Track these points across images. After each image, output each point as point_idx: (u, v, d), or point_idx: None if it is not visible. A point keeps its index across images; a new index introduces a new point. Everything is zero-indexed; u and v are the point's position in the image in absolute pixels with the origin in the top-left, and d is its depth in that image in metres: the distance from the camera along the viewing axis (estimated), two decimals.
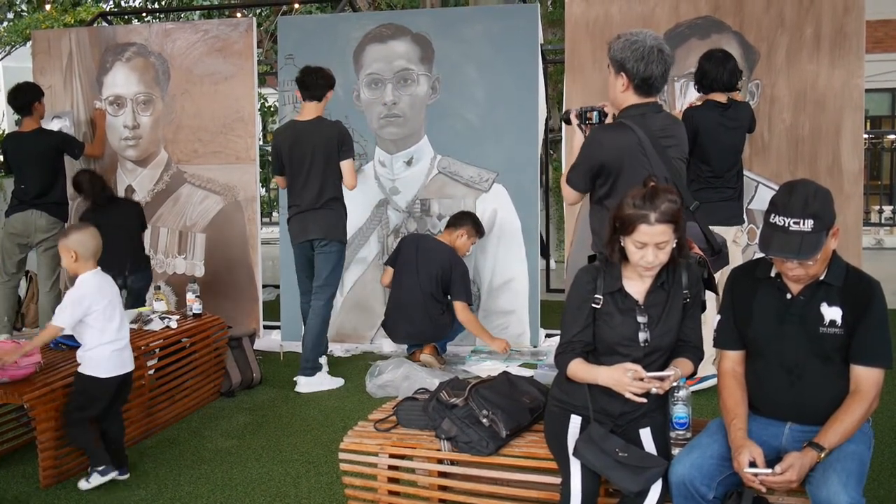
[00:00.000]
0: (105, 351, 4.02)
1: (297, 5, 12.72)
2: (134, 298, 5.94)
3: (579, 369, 2.90)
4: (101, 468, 4.02)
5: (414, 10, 10.82)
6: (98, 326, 4.01)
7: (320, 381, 5.46)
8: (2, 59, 20.97)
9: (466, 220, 5.86)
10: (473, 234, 5.87)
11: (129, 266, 5.95)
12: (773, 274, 2.82)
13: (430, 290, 5.67)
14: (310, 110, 5.45)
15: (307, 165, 5.36)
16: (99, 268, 4.09)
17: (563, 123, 3.90)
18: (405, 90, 6.17)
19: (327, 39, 6.46)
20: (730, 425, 2.76)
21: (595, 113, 3.68)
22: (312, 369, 5.47)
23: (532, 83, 6.13)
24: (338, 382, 5.50)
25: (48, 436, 4.05)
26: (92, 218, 5.58)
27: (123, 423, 4.26)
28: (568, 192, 3.79)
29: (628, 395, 2.77)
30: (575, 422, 2.92)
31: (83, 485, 4.03)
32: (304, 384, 5.44)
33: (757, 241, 5.44)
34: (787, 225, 2.60)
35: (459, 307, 5.70)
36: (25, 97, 6.18)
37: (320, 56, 6.17)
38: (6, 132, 14.76)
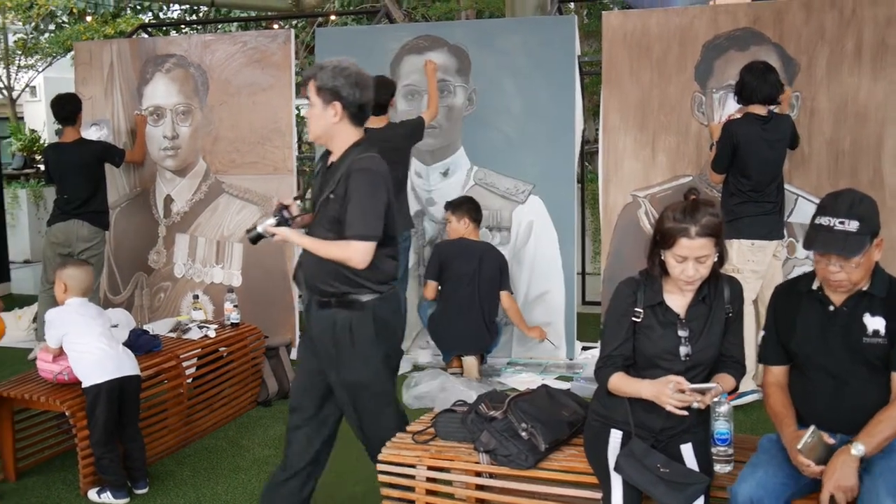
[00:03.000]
0: (82, 361, 4.11)
1: (333, 17, 12.84)
2: None
3: (621, 383, 2.88)
4: (116, 490, 4.07)
5: (451, 21, 10.86)
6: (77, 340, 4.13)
7: (404, 366, 5.85)
8: (44, 69, 21.32)
9: (464, 207, 5.87)
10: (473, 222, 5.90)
11: None
12: (815, 287, 2.81)
13: (488, 293, 5.69)
14: (378, 119, 5.67)
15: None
16: (86, 299, 4.28)
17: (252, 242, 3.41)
18: (442, 101, 6.17)
19: (364, 51, 6.48)
20: (782, 427, 2.78)
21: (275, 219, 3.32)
22: None
23: (569, 95, 6.12)
24: None
25: (88, 443, 4.10)
26: None
27: (144, 443, 4.28)
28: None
29: (669, 408, 2.74)
30: (615, 436, 2.90)
31: (92, 495, 4.09)
32: None
33: (796, 255, 5.45)
34: (832, 225, 2.63)
35: (506, 296, 5.73)
36: (68, 107, 6.27)
37: None
38: (47, 142, 14.98)
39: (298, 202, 3.42)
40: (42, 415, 4.58)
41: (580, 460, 3.08)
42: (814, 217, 2.71)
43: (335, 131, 3.29)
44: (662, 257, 2.85)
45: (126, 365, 4.16)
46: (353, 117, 3.27)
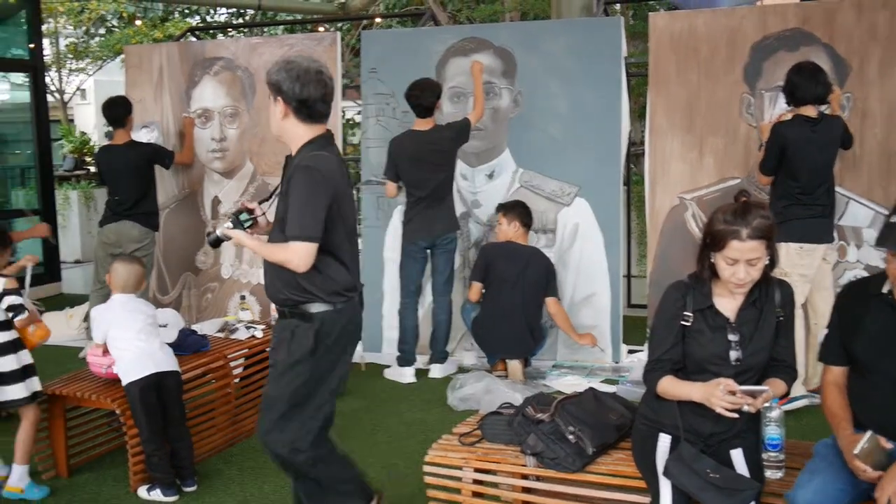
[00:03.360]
0: (121, 359, 4.19)
1: (378, 20, 12.91)
2: None
3: (670, 386, 2.86)
4: (165, 487, 4.12)
5: (496, 23, 10.85)
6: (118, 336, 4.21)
7: (450, 367, 6.05)
8: (94, 73, 21.69)
9: (516, 210, 5.84)
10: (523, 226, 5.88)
11: None
12: (885, 290, 2.75)
13: (533, 298, 5.66)
14: (425, 121, 5.82)
15: (426, 169, 5.77)
16: (133, 295, 4.35)
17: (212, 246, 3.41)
18: (488, 103, 6.17)
19: (409, 53, 6.51)
20: (838, 430, 2.75)
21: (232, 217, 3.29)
22: (445, 358, 6.01)
23: (615, 96, 6.08)
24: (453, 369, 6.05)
25: (137, 440, 4.16)
26: None
27: (192, 442, 4.33)
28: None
29: (719, 410, 2.71)
30: (664, 440, 2.88)
31: (142, 492, 4.16)
32: (439, 370, 5.98)
33: (847, 259, 5.37)
34: None
35: (553, 303, 5.70)
36: (119, 110, 6.37)
37: (403, 70, 6.24)
38: (97, 145, 15.23)
39: (266, 205, 3.37)
40: (93, 412, 4.65)
41: (628, 464, 3.07)
42: (888, 217, 2.69)
43: (284, 128, 3.19)
44: (712, 260, 2.82)
45: (162, 361, 4.21)
46: (297, 113, 3.12)
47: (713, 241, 2.79)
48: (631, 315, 6.68)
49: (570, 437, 3.08)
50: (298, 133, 3.16)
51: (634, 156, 10.12)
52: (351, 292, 3.23)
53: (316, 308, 3.15)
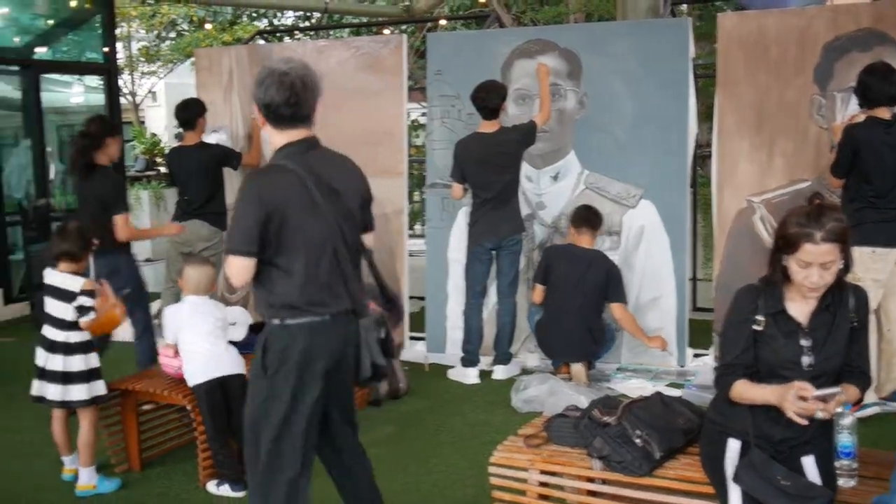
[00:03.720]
0: (189, 362, 4.27)
1: (442, 22, 12.95)
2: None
3: (744, 389, 2.81)
4: (233, 483, 4.19)
5: (561, 25, 10.81)
6: (187, 339, 4.30)
7: (513, 368, 6.05)
8: (165, 76, 22.13)
9: (598, 219, 5.81)
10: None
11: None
12: None
13: (593, 301, 5.62)
14: (491, 123, 5.82)
15: (491, 171, 5.79)
16: (205, 296, 4.44)
17: None
18: (553, 105, 6.14)
19: (474, 55, 6.53)
20: None
21: None
22: (508, 359, 6.02)
23: (682, 98, 6.02)
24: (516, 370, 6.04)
25: (206, 436, 4.24)
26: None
27: None
28: None
29: (790, 415, 2.66)
30: (733, 446, 2.85)
31: (211, 487, 4.24)
32: (502, 371, 5.98)
33: None
34: None
35: (618, 308, 5.64)
36: (192, 111, 6.48)
37: (468, 72, 6.27)
38: (167, 146, 15.53)
39: None
40: (165, 408, 4.75)
41: (696, 469, 3.04)
42: None
43: (268, 134, 3.11)
44: (784, 263, 2.78)
45: (227, 364, 4.28)
46: (266, 118, 3.02)
47: (786, 243, 2.74)
48: (696, 318, 6.61)
49: (638, 440, 3.07)
50: (275, 139, 3.06)
51: (700, 157, 9.99)
52: (311, 308, 2.97)
53: (271, 324, 3.00)
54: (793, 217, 2.74)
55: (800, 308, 2.83)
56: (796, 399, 2.64)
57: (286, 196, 2.93)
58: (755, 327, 2.83)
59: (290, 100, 2.95)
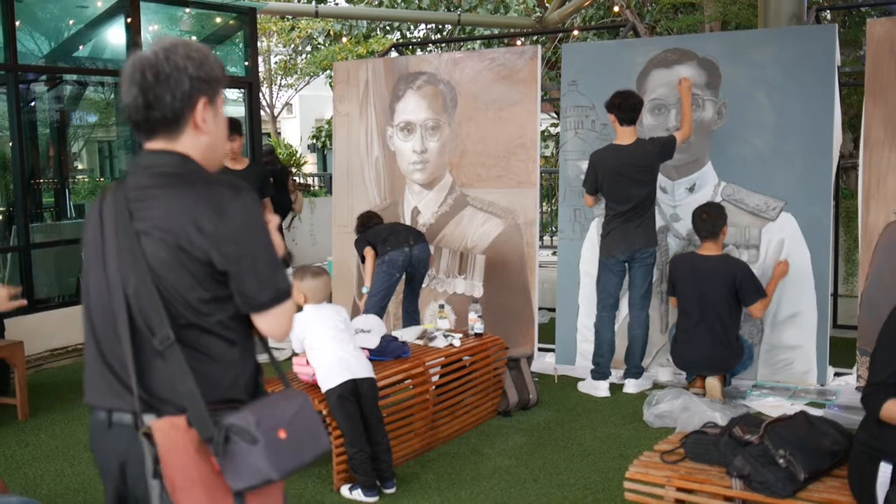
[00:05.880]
0: (319, 368, 4.33)
1: (575, 32, 12.89)
2: None
3: None
4: (366, 489, 4.25)
5: (700, 34, 10.59)
6: (312, 345, 4.36)
7: (645, 383, 5.98)
8: (301, 88, 22.82)
9: (717, 222, 5.59)
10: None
11: None
12: None
13: (726, 310, 5.46)
14: (628, 134, 5.76)
15: (629, 184, 5.74)
16: (325, 303, 4.47)
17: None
18: None
19: (609, 65, 6.48)
20: None
21: None
22: (640, 373, 5.96)
23: (827, 107, 5.81)
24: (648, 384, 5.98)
25: (341, 441, 4.33)
26: None
27: (389, 445, 4.42)
28: None
29: None
30: (885, 470, 2.73)
31: (344, 491, 4.32)
32: (634, 385, 5.92)
33: None
34: None
35: (756, 309, 5.51)
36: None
37: (602, 82, 6.22)
38: (302, 157, 15.95)
39: None
40: None
41: (843, 493, 2.93)
42: None
43: None
44: None
45: (357, 367, 4.33)
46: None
47: None
48: (838, 336, 6.36)
49: (781, 460, 2.97)
50: None
51: (843, 169, 9.63)
52: None
53: None
54: None
55: None
56: None
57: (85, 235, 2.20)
58: None
59: (138, 100, 2.09)
